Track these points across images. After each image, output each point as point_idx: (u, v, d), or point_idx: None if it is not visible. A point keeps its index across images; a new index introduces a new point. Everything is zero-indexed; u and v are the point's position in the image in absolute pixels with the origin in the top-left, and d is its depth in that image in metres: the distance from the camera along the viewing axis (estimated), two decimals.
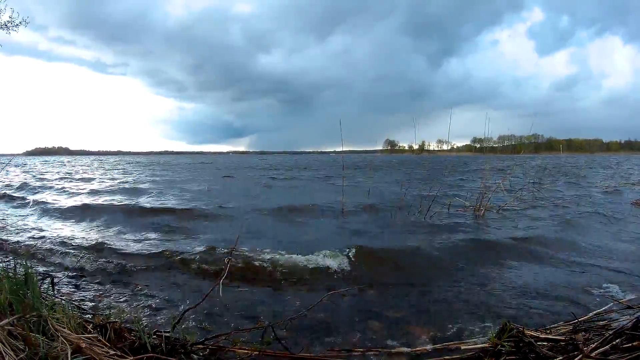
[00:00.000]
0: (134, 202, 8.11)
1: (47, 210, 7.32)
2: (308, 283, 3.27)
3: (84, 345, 1.31)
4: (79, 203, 8.01)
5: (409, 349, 2.05)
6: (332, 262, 3.60)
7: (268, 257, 3.66)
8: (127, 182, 14.32)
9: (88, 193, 10.42)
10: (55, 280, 3.16)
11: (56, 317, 1.51)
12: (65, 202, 8.45)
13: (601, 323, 2.03)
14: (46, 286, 2.57)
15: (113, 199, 8.82)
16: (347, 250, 3.82)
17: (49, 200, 8.66)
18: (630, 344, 1.57)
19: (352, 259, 3.67)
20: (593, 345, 1.63)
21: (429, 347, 2.07)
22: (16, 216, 6.84)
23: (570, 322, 2.04)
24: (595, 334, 1.83)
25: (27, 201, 8.70)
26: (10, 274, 1.58)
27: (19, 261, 1.75)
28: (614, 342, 1.60)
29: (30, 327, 1.34)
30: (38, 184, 13.18)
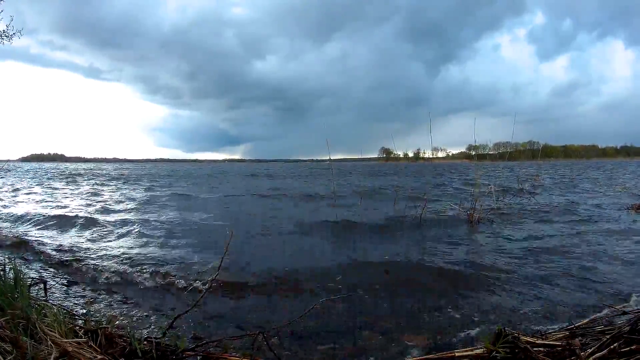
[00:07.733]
0: None
1: None
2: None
3: (70, 349, 1.28)
4: None
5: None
6: None
7: None
8: None
9: None
10: (49, 285, 3.12)
11: (46, 321, 1.49)
12: None
13: (598, 328, 2.01)
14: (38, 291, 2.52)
15: None
16: None
17: None
18: (627, 348, 1.55)
19: None
20: (590, 350, 1.61)
21: (422, 356, 2.04)
22: None
23: (567, 328, 2.02)
24: (592, 339, 1.81)
25: None
26: (1, 277, 1.56)
27: (9, 264, 1.72)
28: (611, 347, 1.59)
29: (18, 330, 1.31)
30: None
